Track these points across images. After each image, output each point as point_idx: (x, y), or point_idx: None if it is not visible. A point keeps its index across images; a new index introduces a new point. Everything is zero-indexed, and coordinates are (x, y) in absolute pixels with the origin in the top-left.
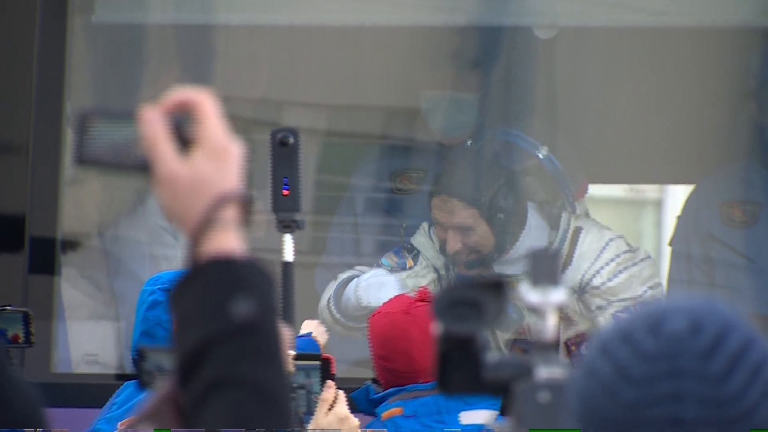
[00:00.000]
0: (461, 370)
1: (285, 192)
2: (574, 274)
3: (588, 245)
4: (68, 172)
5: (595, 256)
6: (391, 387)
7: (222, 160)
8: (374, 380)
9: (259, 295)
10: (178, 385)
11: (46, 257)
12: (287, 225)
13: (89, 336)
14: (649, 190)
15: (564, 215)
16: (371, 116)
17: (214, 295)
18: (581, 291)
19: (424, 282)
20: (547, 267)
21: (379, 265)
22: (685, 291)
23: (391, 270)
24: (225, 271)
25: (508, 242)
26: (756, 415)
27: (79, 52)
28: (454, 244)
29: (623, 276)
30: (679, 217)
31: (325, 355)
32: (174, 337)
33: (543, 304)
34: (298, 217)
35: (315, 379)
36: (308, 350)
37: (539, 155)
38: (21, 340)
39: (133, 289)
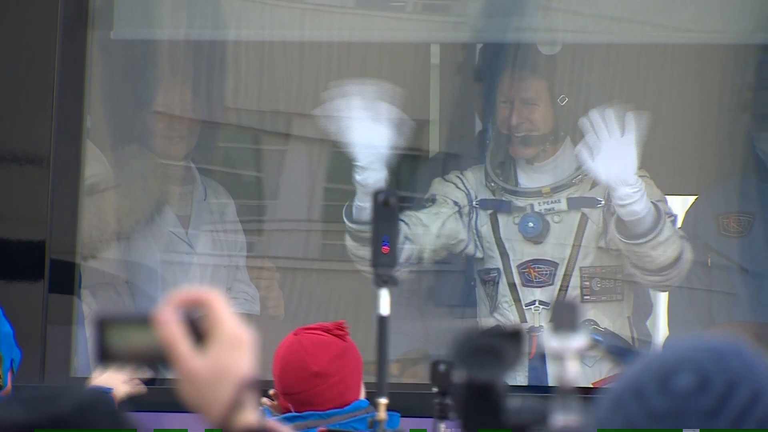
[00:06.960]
0: (484, 415)
1: (385, 249)
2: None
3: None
4: (88, 181)
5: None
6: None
7: (238, 350)
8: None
9: None
10: None
11: (66, 265)
12: (385, 280)
13: None
14: None
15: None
16: None
17: None
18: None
19: (444, 213)
20: (568, 314)
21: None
22: (691, 329)
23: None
24: None
25: (562, 130)
26: None
27: (98, 68)
28: (517, 117)
29: (649, 205)
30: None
31: None
32: None
33: (563, 351)
34: (394, 272)
35: None
36: None
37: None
38: None
39: (151, 294)
